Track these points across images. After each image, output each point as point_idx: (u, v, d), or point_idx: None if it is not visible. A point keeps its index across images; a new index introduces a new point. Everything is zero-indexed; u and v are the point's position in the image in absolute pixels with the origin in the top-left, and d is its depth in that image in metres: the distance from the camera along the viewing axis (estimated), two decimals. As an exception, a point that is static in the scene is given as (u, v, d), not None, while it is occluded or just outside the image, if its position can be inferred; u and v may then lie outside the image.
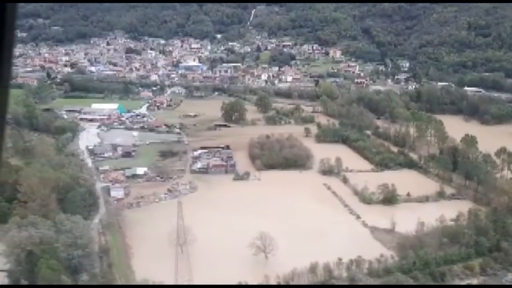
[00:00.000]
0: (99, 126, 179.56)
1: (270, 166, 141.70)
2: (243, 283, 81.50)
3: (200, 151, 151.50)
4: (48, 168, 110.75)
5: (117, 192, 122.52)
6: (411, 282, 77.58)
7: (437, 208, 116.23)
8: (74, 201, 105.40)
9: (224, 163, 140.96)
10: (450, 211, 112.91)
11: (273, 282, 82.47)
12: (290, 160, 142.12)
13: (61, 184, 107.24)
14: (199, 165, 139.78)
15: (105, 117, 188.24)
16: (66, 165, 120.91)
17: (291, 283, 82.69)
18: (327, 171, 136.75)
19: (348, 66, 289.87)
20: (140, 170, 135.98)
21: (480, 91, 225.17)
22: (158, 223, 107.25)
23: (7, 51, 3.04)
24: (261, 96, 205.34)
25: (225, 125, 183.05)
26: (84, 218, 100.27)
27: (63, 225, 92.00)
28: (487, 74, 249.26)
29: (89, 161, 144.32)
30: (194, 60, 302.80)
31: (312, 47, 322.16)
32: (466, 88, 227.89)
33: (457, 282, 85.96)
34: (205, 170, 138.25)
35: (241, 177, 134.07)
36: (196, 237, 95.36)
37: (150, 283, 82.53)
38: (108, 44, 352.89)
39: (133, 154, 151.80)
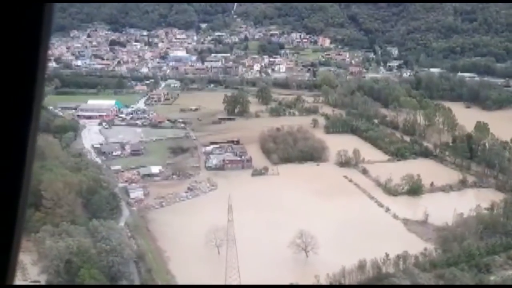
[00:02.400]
0: (99, 123, 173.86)
1: (286, 159, 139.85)
2: (295, 284, 79.93)
3: (211, 146, 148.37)
4: (67, 171, 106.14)
5: (136, 193, 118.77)
6: (466, 275, 77.26)
7: (463, 197, 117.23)
8: (99, 205, 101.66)
9: (240, 159, 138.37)
10: (477, 200, 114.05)
11: (323, 281, 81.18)
12: (306, 153, 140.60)
13: (84, 187, 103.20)
14: (214, 161, 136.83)
15: (104, 113, 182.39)
16: (83, 167, 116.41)
17: (342, 281, 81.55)
18: (345, 163, 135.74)
19: (338, 54, 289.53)
20: (155, 169, 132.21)
21: (474, 77, 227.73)
22: (187, 224, 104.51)
23: (43, 53, 3.13)
24: (261, 88, 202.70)
25: (229, 118, 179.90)
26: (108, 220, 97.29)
27: (97, 232, 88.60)
28: (478, 59, 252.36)
29: (98, 161, 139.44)
30: (182, 51, 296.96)
31: (300, 35, 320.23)
32: (460, 74, 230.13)
33: (502, 272, 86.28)
34: (221, 166, 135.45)
35: (259, 173, 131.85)
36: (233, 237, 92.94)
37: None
38: (89, 36, 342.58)
39: (142, 152, 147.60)
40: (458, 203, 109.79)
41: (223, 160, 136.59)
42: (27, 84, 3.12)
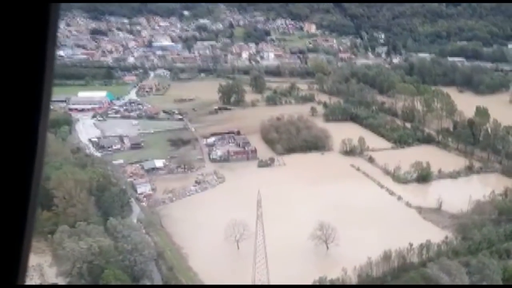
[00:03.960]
0: (93, 116, 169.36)
1: (290, 149, 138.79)
2: (323, 278, 79.25)
3: (213, 138, 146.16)
4: (77, 169, 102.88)
5: (144, 188, 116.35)
6: (494, 262, 77.81)
7: (471, 183, 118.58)
8: (111, 202, 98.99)
9: (244, 150, 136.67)
10: (486, 185, 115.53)
11: (351, 273, 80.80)
12: (309, 142, 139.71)
13: (95, 185, 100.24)
14: (219, 153, 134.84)
15: (96, 106, 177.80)
16: (89, 162, 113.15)
17: (369, 273, 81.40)
18: (349, 152, 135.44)
19: (325, 40, 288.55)
20: (159, 162, 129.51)
21: (463, 61, 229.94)
22: (200, 219, 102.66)
23: (51, 52, 3.20)
24: (255, 76, 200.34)
25: (225, 108, 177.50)
26: (120, 218, 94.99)
27: (116, 231, 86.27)
28: (465, 43, 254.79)
29: (97, 155, 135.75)
30: (166, 39, 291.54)
31: (286, 21, 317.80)
32: (449, 58, 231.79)
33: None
34: (226, 158, 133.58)
35: (265, 164, 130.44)
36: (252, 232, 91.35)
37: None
38: (68, 25, 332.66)
39: (142, 145, 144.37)
40: (468, 189, 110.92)
41: (228, 152, 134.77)
42: (35, 83, 3.15)
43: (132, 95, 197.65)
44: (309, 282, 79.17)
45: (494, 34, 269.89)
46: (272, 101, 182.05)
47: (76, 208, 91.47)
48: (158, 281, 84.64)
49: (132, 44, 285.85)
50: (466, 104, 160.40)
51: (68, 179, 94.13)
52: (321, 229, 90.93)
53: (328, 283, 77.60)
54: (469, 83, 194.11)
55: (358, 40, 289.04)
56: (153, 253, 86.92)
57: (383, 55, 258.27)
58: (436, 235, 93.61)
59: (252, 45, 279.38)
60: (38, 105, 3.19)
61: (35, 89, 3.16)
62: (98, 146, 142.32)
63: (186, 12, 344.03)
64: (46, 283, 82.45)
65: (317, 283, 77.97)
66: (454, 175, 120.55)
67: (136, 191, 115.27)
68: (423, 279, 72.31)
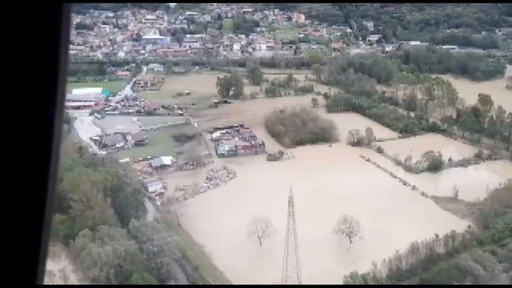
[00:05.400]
0: (91, 114, 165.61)
1: (296, 142, 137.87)
2: (354, 273, 78.72)
3: (218, 132, 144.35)
4: (90, 170, 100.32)
5: (155, 186, 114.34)
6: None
7: (482, 171, 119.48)
8: (126, 203, 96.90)
9: (252, 144, 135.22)
10: (497, 173, 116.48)
11: (381, 267, 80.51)
12: (316, 134, 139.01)
13: (109, 185, 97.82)
14: (226, 148, 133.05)
15: (93, 102, 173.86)
16: (98, 162, 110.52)
17: (399, 265, 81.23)
18: (357, 143, 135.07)
19: (316, 30, 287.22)
20: (167, 159, 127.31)
21: (454, 48, 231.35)
22: (217, 216, 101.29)
23: (64, 52, 3.27)
24: (252, 68, 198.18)
25: (225, 102, 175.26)
26: (136, 218, 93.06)
27: (139, 232, 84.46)
28: (455, 30, 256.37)
29: (102, 154, 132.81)
30: (155, 33, 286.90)
31: (274, 12, 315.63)
32: (441, 46, 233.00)
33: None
34: (234, 153, 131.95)
35: (274, 157, 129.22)
36: (276, 228, 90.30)
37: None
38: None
39: (146, 142, 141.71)
40: (479, 177, 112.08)
41: (235, 146, 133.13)
42: (50, 83, 3.18)
43: (128, 91, 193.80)
44: (339, 278, 78.66)
45: (482, 21, 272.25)
46: (271, 93, 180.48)
47: (94, 211, 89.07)
48: (184, 282, 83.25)
49: (120, 38, 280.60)
50: (464, 91, 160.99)
51: (84, 181, 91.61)
52: (344, 222, 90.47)
53: (359, 278, 77.08)
54: (464, 70, 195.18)
55: (348, 29, 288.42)
56: (178, 253, 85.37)
57: (375, 44, 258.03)
58: (457, 224, 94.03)
59: (242, 36, 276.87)
60: (53, 102, 3.21)
61: (50, 87, 3.18)
62: (101, 144, 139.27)
63: (172, 4, 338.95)
64: None
65: (349, 278, 77.41)
66: (464, 163, 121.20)
67: (147, 189, 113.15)
68: (458, 270, 72.29)
